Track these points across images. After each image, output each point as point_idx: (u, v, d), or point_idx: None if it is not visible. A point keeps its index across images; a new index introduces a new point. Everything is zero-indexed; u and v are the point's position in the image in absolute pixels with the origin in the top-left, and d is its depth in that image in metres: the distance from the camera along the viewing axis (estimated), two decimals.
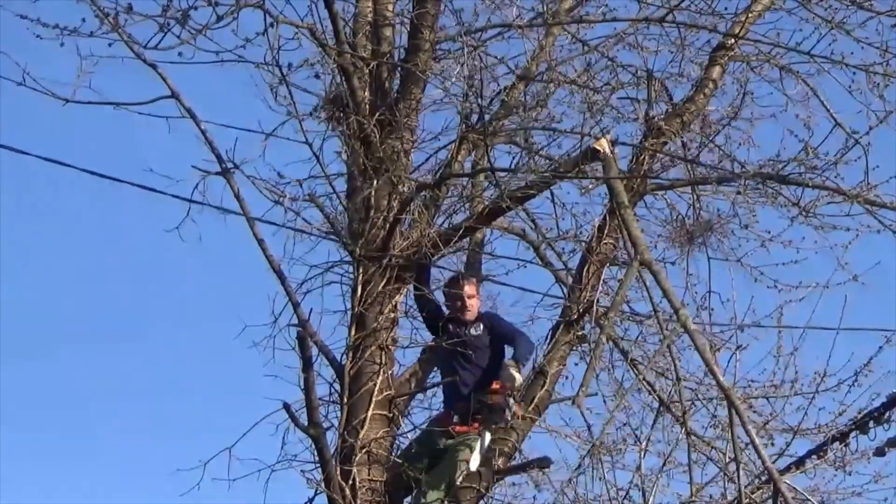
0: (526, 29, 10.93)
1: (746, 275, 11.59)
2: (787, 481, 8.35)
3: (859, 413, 11.34)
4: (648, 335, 11.14)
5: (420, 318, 10.71)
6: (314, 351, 9.99)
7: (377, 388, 10.13)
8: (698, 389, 11.20)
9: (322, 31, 10.34)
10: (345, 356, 10.24)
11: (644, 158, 10.99)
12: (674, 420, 10.76)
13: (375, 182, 10.34)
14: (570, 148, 10.64)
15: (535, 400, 10.39)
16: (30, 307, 24.60)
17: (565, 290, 10.93)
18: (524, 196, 10.48)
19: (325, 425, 9.99)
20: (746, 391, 11.35)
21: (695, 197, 11.41)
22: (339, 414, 10.18)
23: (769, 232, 11.61)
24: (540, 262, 11.42)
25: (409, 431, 10.59)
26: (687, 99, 11.36)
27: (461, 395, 10.31)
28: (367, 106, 10.45)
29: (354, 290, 10.34)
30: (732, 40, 11.26)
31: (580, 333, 10.62)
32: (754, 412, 11.34)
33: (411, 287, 10.52)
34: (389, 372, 10.30)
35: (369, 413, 10.08)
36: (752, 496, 9.49)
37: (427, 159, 10.96)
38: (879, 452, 11.31)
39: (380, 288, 10.30)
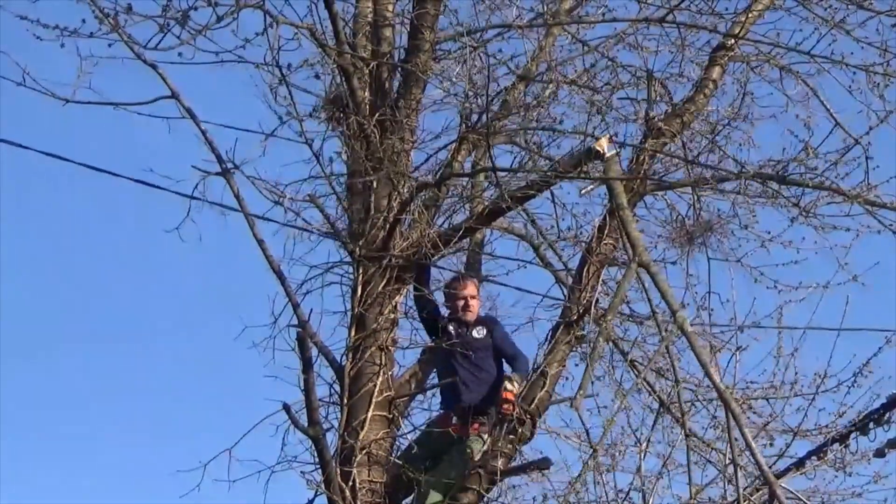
0: (526, 29, 10.93)
1: (746, 275, 11.62)
2: (784, 485, 8.31)
3: (859, 414, 11.32)
4: (648, 336, 11.16)
5: (419, 319, 10.69)
6: (314, 352, 10.00)
7: (377, 389, 10.12)
8: (698, 390, 11.20)
9: (322, 31, 10.34)
10: (345, 357, 10.23)
11: (644, 159, 10.98)
12: (674, 421, 10.75)
13: (375, 182, 10.34)
14: (571, 148, 10.67)
15: (535, 401, 10.37)
16: (30, 307, 24.63)
17: (565, 291, 10.93)
18: (524, 196, 10.47)
19: (325, 426, 9.99)
20: (746, 392, 11.36)
21: (695, 197, 11.40)
22: (339, 415, 10.17)
23: (769, 232, 11.64)
24: (540, 263, 11.42)
25: (409, 432, 10.59)
26: (687, 99, 11.33)
27: (460, 395, 10.30)
28: (367, 106, 10.45)
29: (354, 291, 10.33)
30: (732, 40, 11.23)
31: (580, 334, 10.61)
32: (754, 413, 11.36)
33: (411, 287, 10.51)
34: (389, 373, 10.29)
35: (369, 414, 10.07)
36: (752, 498, 9.47)
37: (427, 159, 10.95)
38: (879, 453, 11.29)
39: (380, 288, 10.30)
